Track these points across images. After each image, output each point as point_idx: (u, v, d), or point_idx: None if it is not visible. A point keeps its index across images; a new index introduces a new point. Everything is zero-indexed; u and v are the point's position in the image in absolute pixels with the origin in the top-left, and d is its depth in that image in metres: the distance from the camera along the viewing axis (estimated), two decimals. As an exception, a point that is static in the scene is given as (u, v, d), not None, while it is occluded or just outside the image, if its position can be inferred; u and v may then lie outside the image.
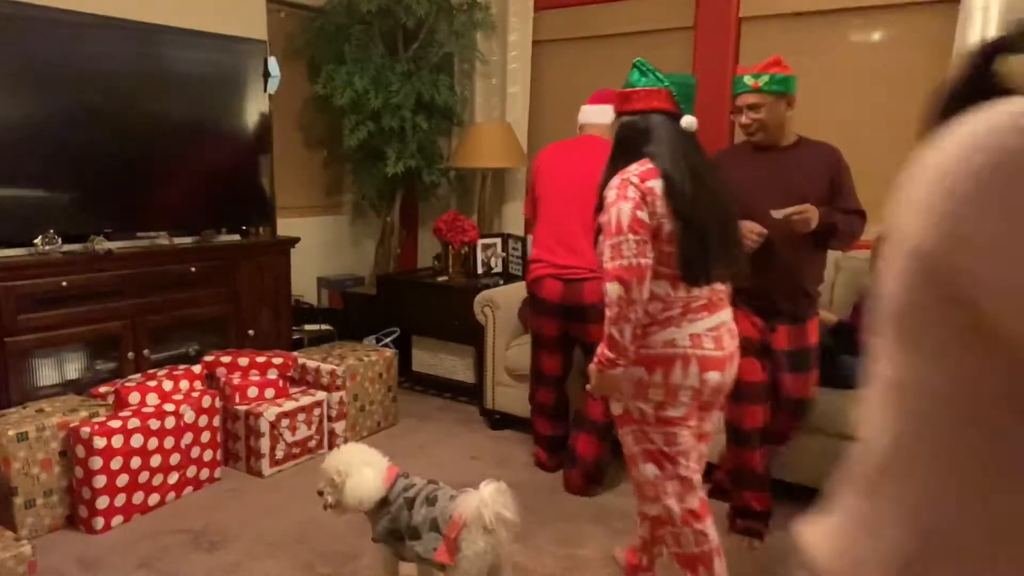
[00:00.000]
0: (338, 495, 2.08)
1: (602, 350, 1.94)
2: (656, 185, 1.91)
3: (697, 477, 2.04)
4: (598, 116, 3.13)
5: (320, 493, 2.11)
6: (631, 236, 1.88)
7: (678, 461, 2.01)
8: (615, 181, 1.96)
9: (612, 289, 1.89)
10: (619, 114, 2.08)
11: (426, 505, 2.03)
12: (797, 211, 2.37)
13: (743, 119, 2.49)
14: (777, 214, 2.39)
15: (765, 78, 2.43)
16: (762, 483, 2.64)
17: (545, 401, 3.24)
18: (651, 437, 2.02)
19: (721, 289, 2.03)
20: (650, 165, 1.95)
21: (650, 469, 2.03)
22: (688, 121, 2.00)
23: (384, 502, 2.12)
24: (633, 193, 1.91)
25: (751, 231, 2.41)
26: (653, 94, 2.00)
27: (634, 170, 1.95)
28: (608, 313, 1.90)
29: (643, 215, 1.89)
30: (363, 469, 2.09)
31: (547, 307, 3.03)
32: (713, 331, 1.97)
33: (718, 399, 2.04)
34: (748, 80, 2.45)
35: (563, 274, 3.00)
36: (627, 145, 2.02)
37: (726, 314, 2.03)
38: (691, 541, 2.03)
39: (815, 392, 2.65)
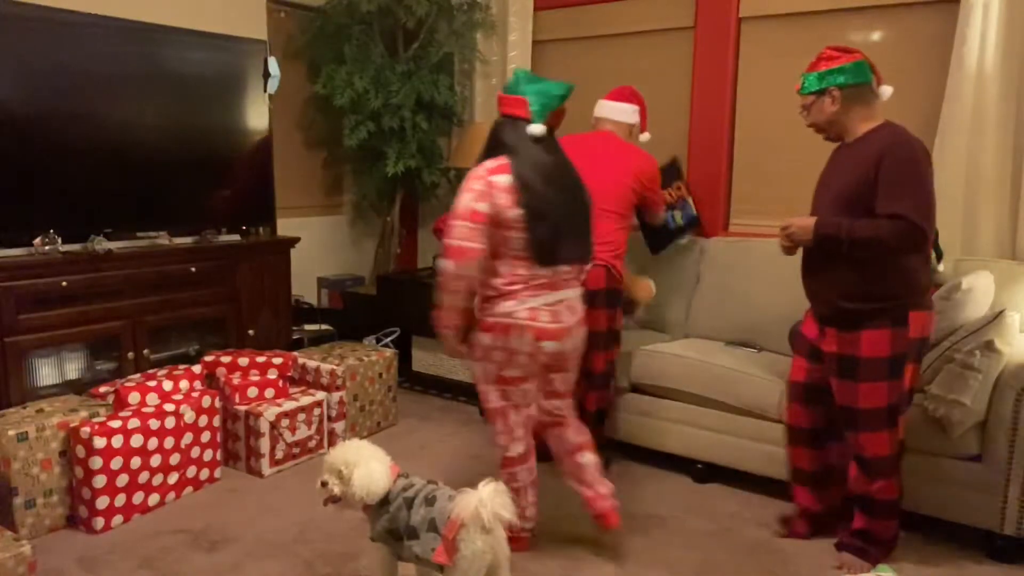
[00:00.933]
0: (345, 487, 2.07)
1: (436, 315, 2.35)
2: (502, 180, 2.24)
3: (521, 431, 2.46)
4: (614, 113, 3.19)
5: (324, 484, 2.09)
6: (467, 223, 2.22)
7: (509, 415, 2.43)
8: (471, 172, 2.29)
9: (445, 264, 2.26)
10: (500, 118, 2.38)
11: (424, 505, 2.03)
12: (781, 229, 2.38)
13: (806, 121, 2.44)
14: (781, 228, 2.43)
15: (801, 80, 2.40)
16: (813, 480, 2.61)
17: None
18: (496, 393, 2.41)
19: (567, 270, 2.34)
20: (504, 162, 2.26)
21: (498, 422, 2.46)
22: (533, 128, 2.29)
23: (384, 501, 2.12)
24: (478, 185, 2.24)
25: (781, 231, 2.39)
26: (513, 101, 2.33)
27: (489, 165, 2.28)
28: (439, 282, 2.29)
29: (482, 206, 2.23)
30: (371, 462, 2.09)
31: None
32: (551, 307, 2.31)
33: (563, 364, 2.42)
34: (799, 83, 2.41)
35: None
36: (492, 143, 2.34)
37: (570, 293, 2.37)
38: (512, 478, 2.49)
39: (888, 449, 2.36)
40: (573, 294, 2.38)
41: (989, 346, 2.49)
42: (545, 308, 2.30)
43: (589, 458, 2.55)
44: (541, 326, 2.29)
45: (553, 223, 2.26)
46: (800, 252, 2.48)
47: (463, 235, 2.22)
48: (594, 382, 3.08)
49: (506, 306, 2.29)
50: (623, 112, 3.18)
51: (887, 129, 2.30)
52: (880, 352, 2.28)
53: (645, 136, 3.26)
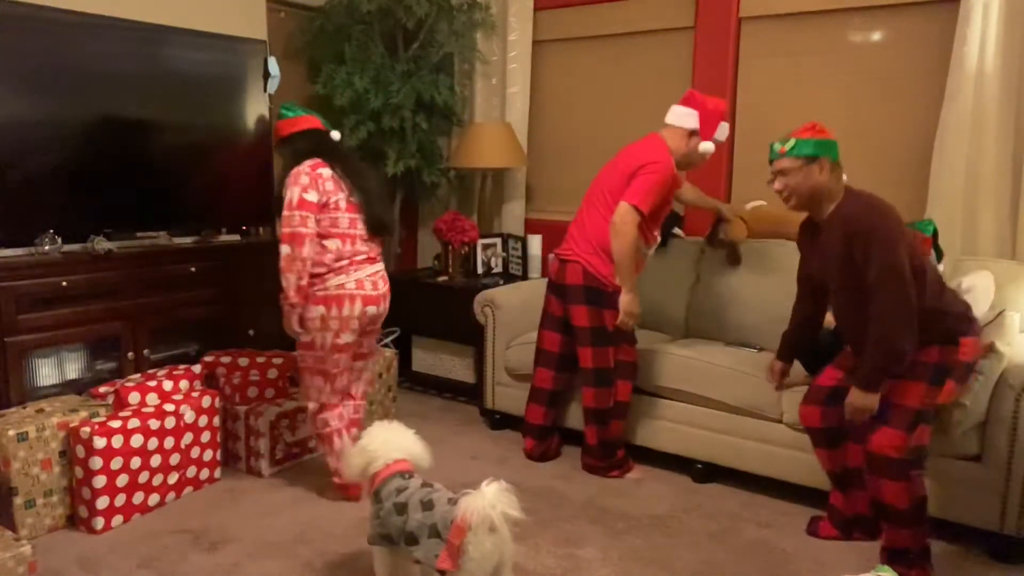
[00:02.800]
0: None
1: (282, 296, 2.71)
2: (325, 172, 2.74)
3: (341, 383, 2.88)
4: (670, 116, 3.06)
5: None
6: (297, 212, 2.65)
7: (336, 376, 2.84)
8: (294, 171, 2.72)
9: (283, 249, 2.66)
10: (286, 136, 2.85)
11: (421, 510, 2.00)
12: (850, 422, 2.41)
13: (776, 185, 2.45)
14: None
15: (791, 142, 2.40)
16: (836, 479, 2.62)
17: (541, 385, 3.27)
18: (325, 359, 2.80)
19: (375, 247, 2.88)
20: (318, 160, 2.75)
21: (318, 381, 2.84)
22: (335, 134, 2.92)
23: (376, 498, 2.11)
24: (305, 180, 2.69)
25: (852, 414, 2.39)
26: (305, 120, 2.86)
27: (306, 165, 2.72)
28: (280, 265, 2.67)
29: (310, 196, 2.68)
30: (355, 450, 2.23)
31: (548, 284, 3.25)
32: (371, 277, 2.81)
33: (375, 326, 2.93)
34: (777, 146, 2.43)
35: (560, 254, 3.15)
36: (300, 154, 2.78)
37: (380, 266, 2.88)
38: (325, 424, 2.88)
39: (895, 451, 2.32)
40: (381, 268, 2.89)
41: (990, 348, 2.49)
42: (367, 279, 2.79)
43: (352, 433, 2.97)
44: (366, 294, 2.78)
45: (374, 202, 2.85)
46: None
47: (297, 222, 2.65)
48: (584, 378, 3.10)
49: (338, 279, 2.73)
50: (678, 115, 3.03)
51: (848, 202, 2.38)
52: (928, 358, 2.31)
53: (706, 145, 3.01)
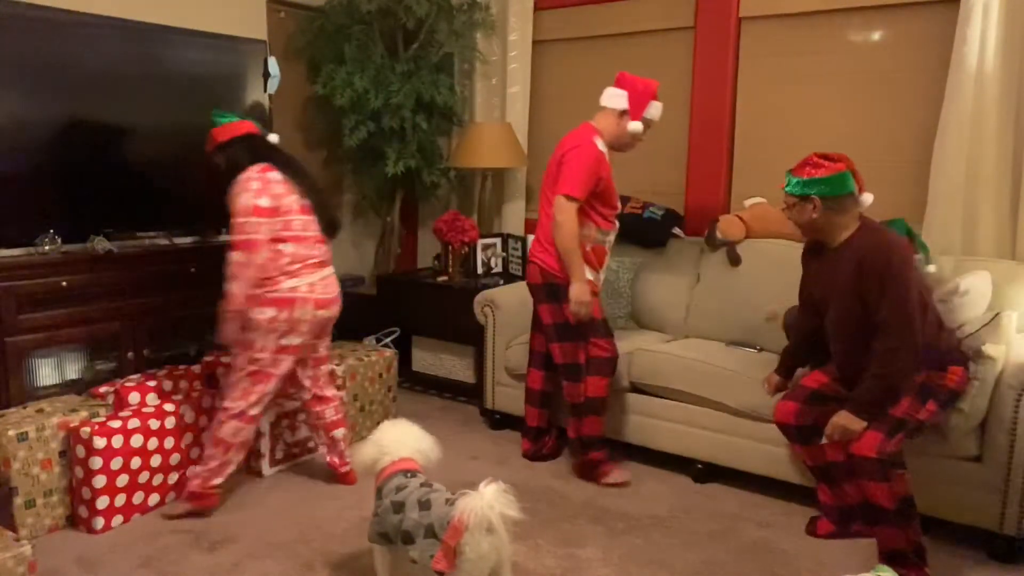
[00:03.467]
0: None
1: (224, 303, 2.67)
2: (274, 175, 2.72)
3: (270, 388, 2.79)
4: (603, 98, 3.05)
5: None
6: (252, 218, 2.63)
7: (270, 379, 2.77)
8: (240, 177, 2.68)
9: (236, 256, 2.63)
10: (223, 143, 2.79)
11: (418, 509, 1.99)
12: (829, 437, 2.42)
13: (787, 216, 2.53)
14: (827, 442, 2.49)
15: (788, 179, 2.44)
16: (820, 473, 2.66)
17: (532, 386, 3.28)
18: (264, 361, 2.74)
19: (326, 251, 2.87)
20: (266, 165, 2.73)
21: (246, 383, 2.75)
22: (273, 137, 2.92)
23: (378, 494, 2.12)
24: (255, 185, 2.66)
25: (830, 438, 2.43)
26: (241, 125, 2.82)
27: (254, 171, 2.69)
28: (231, 272, 2.63)
29: (263, 201, 2.65)
30: (374, 446, 2.23)
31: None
32: (324, 280, 2.81)
33: (327, 328, 2.92)
34: (786, 179, 2.46)
35: (528, 255, 3.20)
36: (240, 159, 2.74)
37: (331, 270, 2.88)
38: (236, 433, 2.77)
39: (873, 451, 2.31)
40: (331, 272, 2.89)
41: (979, 354, 2.50)
42: (320, 282, 2.79)
43: (340, 433, 3.06)
44: (318, 297, 2.77)
45: (324, 204, 2.87)
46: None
47: (251, 229, 2.64)
48: (559, 373, 3.12)
49: (291, 283, 2.72)
50: (608, 97, 3.03)
51: (863, 235, 2.40)
52: (916, 378, 2.37)
53: (634, 124, 2.98)
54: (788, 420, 2.61)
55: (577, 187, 2.89)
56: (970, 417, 2.47)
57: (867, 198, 2.42)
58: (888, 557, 2.38)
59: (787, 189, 2.45)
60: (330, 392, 3.06)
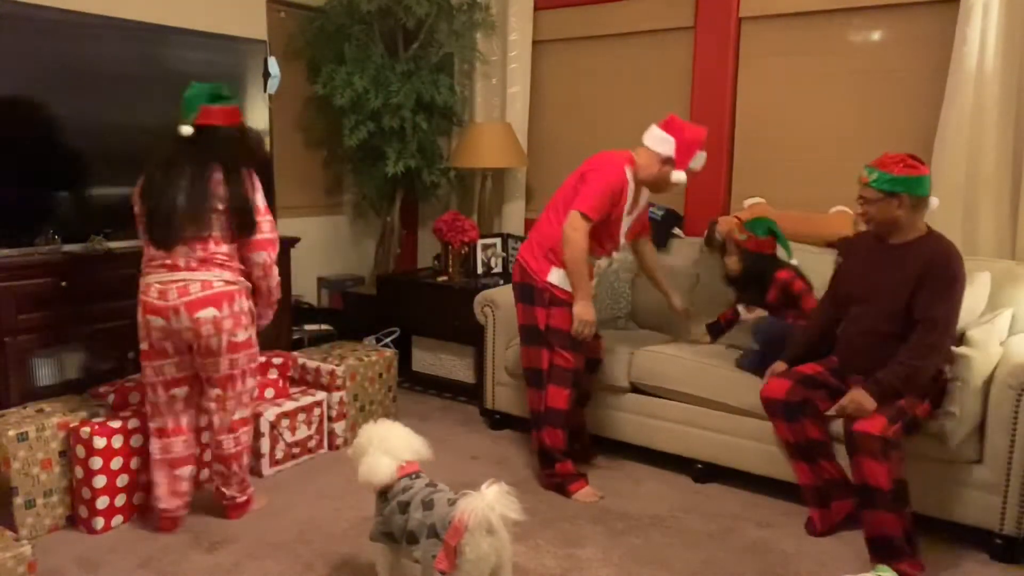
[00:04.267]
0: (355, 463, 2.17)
1: None
2: (141, 179, 2.60)
3: (152, 399, 2.61)
4: (647, 138, 2.94)
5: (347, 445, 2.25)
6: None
7: (148, 389, 2.62)
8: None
9: None
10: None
11: (422, 509, 2.00)
12: (840, 408, 2.48)
13: (858, 208, 2.55)
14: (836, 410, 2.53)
15: (875, 175, 2.45)
16: (799, 451, 2.69)
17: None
18: (144, 365, 2.62)
19: (192, 254, 2.52)
20: None
21: (146, 392, 2.63)
22: (181, 128, 2.58)
23: (383, 497, 2.11)
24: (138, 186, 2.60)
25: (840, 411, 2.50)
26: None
27: None
28: None
29: (136, 204, 2.59)
30: (381, 456, 2.13)
31: None
32: (163, 285, 2.50)
33: (181, 342, 2.55)
34: (864, 173, 2.49)
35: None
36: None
37: (188, 276, 2.51)
38: (153, 446, 2.64)
39: (876, 429, 2.37)
40: (192, 278, 2.52)
41: (949, 356, 2.51)
42: (156, 285, 2.52)
43: (187, 471, 2.69)
44: (149, 300, 2.53)
45: (165, 211, 2.52)
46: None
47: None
48: (523, 377, 3.08)
49: (141, 282, 2.58)
50: (654, 139, 2.89)
51: (933, 241, 2.49)
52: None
53: (678, 175, 2.87)
54: (778, 395, 2.64)
55: (593, 208, 2.83)
56: (963, 420, 2.46)
57: (934, 201, 2.51)
58: (878, 546, 2.39)
59: (874, 184, 2.45)
60: (218, 422, 2.68)
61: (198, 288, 2.50)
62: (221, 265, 2.56)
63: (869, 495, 2.37)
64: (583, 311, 2.88)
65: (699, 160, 2.92)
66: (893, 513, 2.35)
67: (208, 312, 2.50)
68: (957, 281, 2.43)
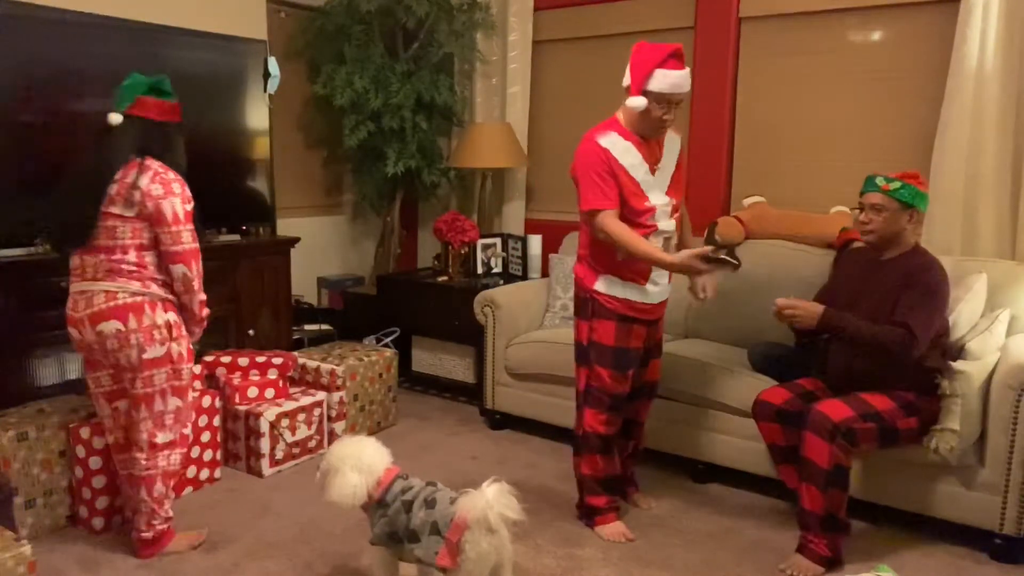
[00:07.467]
0: (323, 485, 2.14)
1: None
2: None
3: (107, 421, 2.54)
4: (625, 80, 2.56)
5: (319, 470, 2.18)
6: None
7: (93, 397, 2.54)
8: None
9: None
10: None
11: (424, 508, 2.01)
12: (790, 306, 2.51)
13: (862, 216, 2.55)
14: (782, 301, 2.54)
15: (897, 184, 2.47)
16: (779, 416, 2.67)
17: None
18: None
19: (94, 262, 2.37)
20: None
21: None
22: (109, 117, 2.43)
23: (382, 503, 2.11)
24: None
25: (783, 310, 2.52)
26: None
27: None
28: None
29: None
30: (349, 473, 2.08)
31: None
32: (74, 295, 2.40)
33: (92, 355, 2.45)
34: (880, 181, 2.50)
35: None
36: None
37: (93, 286, 2.37)
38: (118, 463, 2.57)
39: (836, 416, 2.41)
40: (97, 288, 2.36)
41: (948, 372, 2.50)
42: (73, 295, 2.42)
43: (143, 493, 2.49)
44: (67, 311, 2.44)
45: (64, 217, 2.44)
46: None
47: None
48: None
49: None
50: (625, 78, 2.52)
51: (917, 255, 2.54)
52: (907, 396, 2.51)
53: (633, 100, 2.45)
54: (774, 400, 2.65)
55: (588, 199, 2.52)
56: (965, 438, 2.47)
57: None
58: (804, 517, 2.46)
59: (894, 192, 2.46)
60: (134, 438, 2.49)
61: (102, 300, 2.34)
62: (130, 275, 2.36)
63: (807, 468, 2.43)
64: (679, 264, 2.43)
65: (661, 80, 2.42)
66: (822, 492, 2.40)
67: (110, 325, 2.34)
68: (937, 293, 2.45)
